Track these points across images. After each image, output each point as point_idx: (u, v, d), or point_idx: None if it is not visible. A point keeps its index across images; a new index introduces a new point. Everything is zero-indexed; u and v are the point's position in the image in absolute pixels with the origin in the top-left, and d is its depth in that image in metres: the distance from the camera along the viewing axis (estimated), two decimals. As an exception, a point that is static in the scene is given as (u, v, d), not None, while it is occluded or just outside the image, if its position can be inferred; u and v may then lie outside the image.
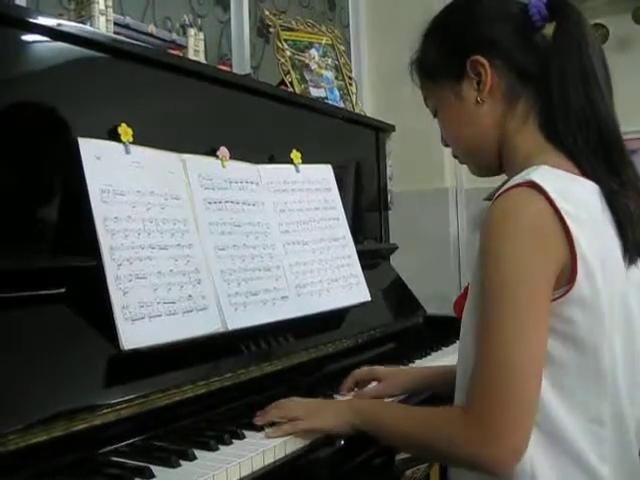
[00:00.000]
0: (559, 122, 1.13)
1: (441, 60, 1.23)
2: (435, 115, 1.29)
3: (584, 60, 1.13)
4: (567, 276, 1.03)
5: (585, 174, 1.12)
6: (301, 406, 1.28)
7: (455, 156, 1.31)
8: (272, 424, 1.26)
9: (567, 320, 1.04)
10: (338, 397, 1.49)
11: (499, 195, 1.07)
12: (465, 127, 1.23)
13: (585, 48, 1.13)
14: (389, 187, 2.41)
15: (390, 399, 1.48)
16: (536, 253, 1.02)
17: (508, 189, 1.07)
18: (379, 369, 1.55)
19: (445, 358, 1.86)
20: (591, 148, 1.12)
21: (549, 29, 1.17)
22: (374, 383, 1.52)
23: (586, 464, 1.05)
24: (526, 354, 1.01)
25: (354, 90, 2.52)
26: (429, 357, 1.91)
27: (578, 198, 1.07)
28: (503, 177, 1.37)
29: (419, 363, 1.84)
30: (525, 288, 1.02)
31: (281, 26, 2.35)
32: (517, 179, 1.07)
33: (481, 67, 1.17)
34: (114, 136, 1.34)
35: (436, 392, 1.50)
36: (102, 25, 1.64)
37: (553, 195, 1.02)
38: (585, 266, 1.03)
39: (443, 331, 2.09)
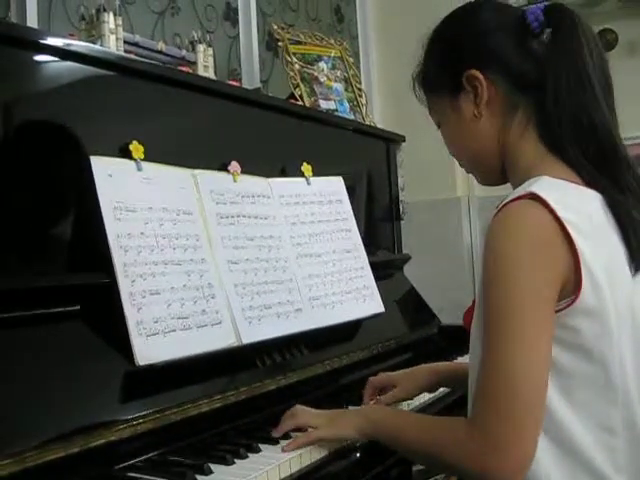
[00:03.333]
0: (554, 130, 1.13)
1: (440, 73, 1.23)
2: (439, 127, 1.29)
3: (579, 66, 1.12)
4: (572, 286, 1.03)
5: (587, 183, 1.12)
6: (314, 415, 1.28)
7: (462, 166, 1.31)
8: (288, 436, 1.26)
9: (573, 330, 1.04)
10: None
11: (500, 208, 1.08)
12: (465, 140, 1.23)
13: (580, 54, 1.12)
14: (401, 197, 2.41)
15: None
16: (537, 267, 1.02)
17: (509, 202, 1.07)
18: (394, 374, 1.55)
19: (460, 368, 1.86)
20: (589, 157, 1.12)
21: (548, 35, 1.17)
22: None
23: (600, 474, 1.05)
24: (528, 365, 1.00)
25: (364, 102, 2.52)
26: (444, 367, 1.90)
27: (580, 207, 1.07)
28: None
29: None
30: (526, 302, 1.01)
31: (289, 40, 2.36)
32: (518, 191, 1.08)
33: (476, 81, 1.17)
34: (125, 153, 1.35)
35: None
36: (112, 44, 1.66)
37: (554, 206, 1.02)
38: (590, 275, 1.03)
39: (458, 341, 2.08)
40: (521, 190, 1.07)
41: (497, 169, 1.23)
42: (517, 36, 1.17)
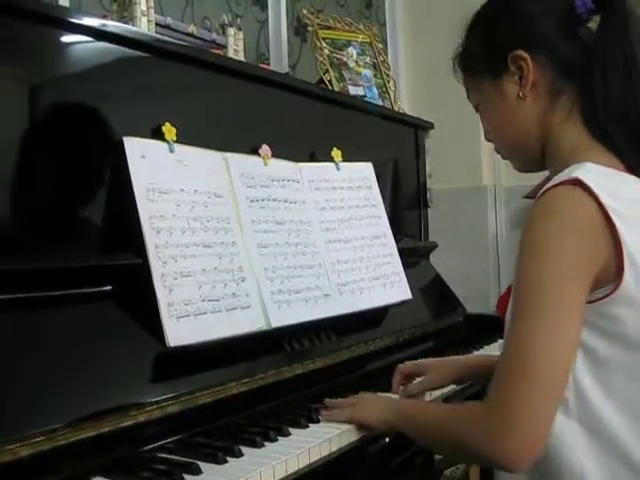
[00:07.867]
0: (600, 116, 1.11)
1: (482, 55, 1.22)
2: (477, 110, 1.28)
3: (628, 54, 1.11)
4: (612, 274, 1.01)
5: (630, 170, 1.11)
6: (358, 397, 1.33)
7: (498, 151, 1.29)
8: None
9: (614, 319, 1.02)
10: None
11: (542, 193, 1.06)
12: (507, 123, 1.21)
13: (629, 42, 1.11)
14: (428, 185, 2.39)
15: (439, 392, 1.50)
16: (575, 251, 1.01)
17: (551, 187, 1.05)
18: (423, 362, 1.55)
19: (487, 357, 1.85)
20: (634, 142, 1.10)
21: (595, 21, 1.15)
22: (417, 379, 1.52)
23: (634, 464, 1.03)
24: (548, 349, 0.99)
25: (392, 88, 2.51)
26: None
27: (624, 195, 1.05)
28: (543, 174, 1.36)
29: (460, 362, 1.83)
30: (558, 285, 1.00)
31: (319, 25, 2.35)
32: (561, 177, 1.06)
33: (523, 62, 1.15)
34: (158, 135, 1.35)
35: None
36: (144, 26, 1.66)
37: (598, 192, 1.01)
38: (632, 264, 1.01)
39: (484, 330, 2.08)
40: (564, 176, 1.05)
41: (536, 154, 1.21)
42: (564, 21, 1.16)
